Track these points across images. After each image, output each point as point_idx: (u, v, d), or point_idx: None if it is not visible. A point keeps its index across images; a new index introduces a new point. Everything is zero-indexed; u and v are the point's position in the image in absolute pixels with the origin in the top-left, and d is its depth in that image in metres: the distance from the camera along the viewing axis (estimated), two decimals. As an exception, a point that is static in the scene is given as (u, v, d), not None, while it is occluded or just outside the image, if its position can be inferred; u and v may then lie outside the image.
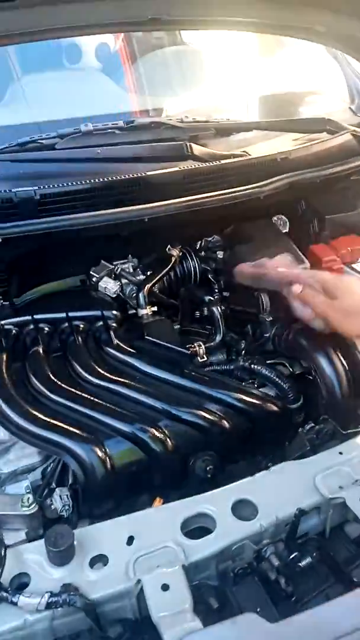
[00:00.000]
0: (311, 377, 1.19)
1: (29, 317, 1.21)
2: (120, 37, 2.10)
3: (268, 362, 1.24)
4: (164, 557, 0.82)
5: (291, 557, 0.89)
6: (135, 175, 1.32)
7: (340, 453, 0.98)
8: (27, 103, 1.79)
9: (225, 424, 1.08)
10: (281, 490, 0.92)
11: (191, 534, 0.88)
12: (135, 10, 1.22)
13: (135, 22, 1.29)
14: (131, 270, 1.41)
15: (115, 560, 0.83)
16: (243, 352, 1.27)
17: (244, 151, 1.52)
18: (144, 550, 0.83)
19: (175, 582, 0.78)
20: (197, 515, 0.90)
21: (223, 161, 1.42)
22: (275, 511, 0.88)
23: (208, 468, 1.05)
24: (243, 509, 0.90)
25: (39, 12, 1.15)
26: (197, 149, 1.43)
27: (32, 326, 1.21)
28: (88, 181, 1.29)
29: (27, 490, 1.08)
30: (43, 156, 1.39)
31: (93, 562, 0.84)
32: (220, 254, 1.45)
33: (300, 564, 0.89)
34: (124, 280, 1.37)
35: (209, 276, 1.44)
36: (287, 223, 1.56)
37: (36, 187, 1.24)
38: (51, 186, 1.26)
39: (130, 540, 0.86)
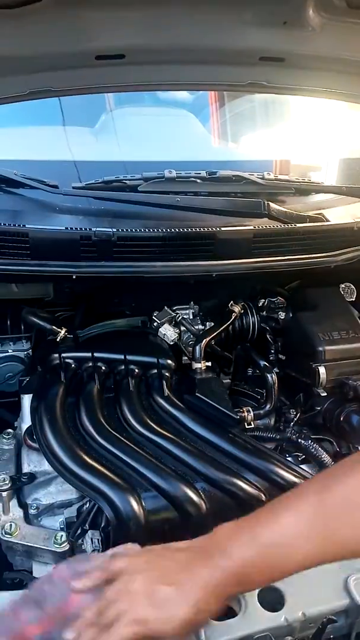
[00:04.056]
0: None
1: (89, 354, 1.25)
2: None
3: (315, 436, 1.22)
4: (185, 633, 0.83)
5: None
6: (208, 230, 1.34)
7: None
8: (116, 137, 1.86)
9: (262, 496, 1.07)
10: (312, 585, 0.90)
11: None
12: (236, 75, 1.26)
13: (234, 85, 1.32)
14: (191, 317, 1.44)
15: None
16: (292, 423, 1.25)
17: (319, 214, 1.52)
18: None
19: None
20: (223, 593, 0.89)
21: (298, 225, 1.42)
22: (302, 607, 0.86)
23: (239, 540, 1.04)
24: (270, 596, 0.88)
25: (143, 69, 1.21)
26: (273, 208, 1.43)
27: (90, 363, 1.25)
28: (164, 229, 1.32)
29: (62, 526, 1.11)
30: (125, 197, 1.43)
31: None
32: (282, 315, 1.45)
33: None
34: (182, 328, 1.39)
35: (267, 336, 1.44)
36: (355, 292, 1.54)
37: (114, 229, 1.28)
38: (128, 230, 1.30)
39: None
